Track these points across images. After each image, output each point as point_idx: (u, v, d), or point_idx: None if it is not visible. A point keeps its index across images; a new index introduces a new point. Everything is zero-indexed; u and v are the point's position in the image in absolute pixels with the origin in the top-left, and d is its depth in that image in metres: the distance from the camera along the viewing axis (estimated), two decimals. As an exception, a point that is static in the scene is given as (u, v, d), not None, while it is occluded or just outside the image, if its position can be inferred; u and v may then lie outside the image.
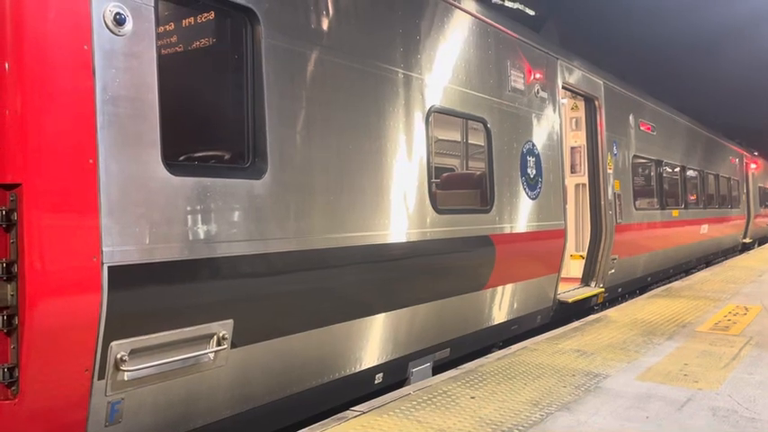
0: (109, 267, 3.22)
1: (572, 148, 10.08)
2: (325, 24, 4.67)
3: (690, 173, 15.20)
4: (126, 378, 3.38)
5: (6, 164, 2.99)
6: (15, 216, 2.98)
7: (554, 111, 8.09)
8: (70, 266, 3.09)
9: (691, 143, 15.66)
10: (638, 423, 4.20)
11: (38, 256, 3.00)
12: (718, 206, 17.95)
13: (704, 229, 15.96)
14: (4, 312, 2.99)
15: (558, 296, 8.27)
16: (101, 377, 3.27)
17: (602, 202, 9.48)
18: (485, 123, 6.61)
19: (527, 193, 7.28)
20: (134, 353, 3.39)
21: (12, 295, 2.98)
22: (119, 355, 3.32)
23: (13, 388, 3.01)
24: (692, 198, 15.32)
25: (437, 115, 5.97)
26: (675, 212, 13.50)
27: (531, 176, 7.39)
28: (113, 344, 3.29)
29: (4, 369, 2.99)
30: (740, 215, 21.16)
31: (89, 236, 3.16)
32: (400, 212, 5.31)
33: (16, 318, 2.98)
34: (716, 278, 12.35)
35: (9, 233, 3.00)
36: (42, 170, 3.03)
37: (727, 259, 17.98)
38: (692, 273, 14.51)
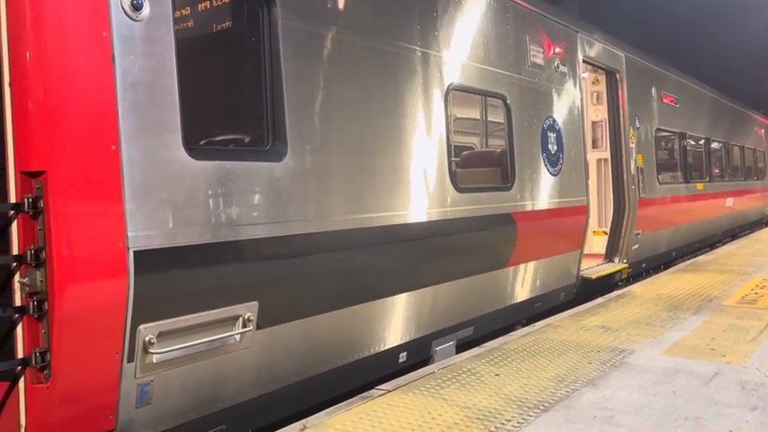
0: (134, 252, 3.25)
1: (593, 123, 9.95)
2: (341, 4, 4.63)
3: (714, 145, 14.93)
4: (155, 360, 3.43)
5: (31, 152, 3.02)
6: (42, 203, 3.02)
7: (575, 85, 7.97)
8: (96, 252, 3.13)
9: (715, 115, 15.37)
10: (666, 398, 4.18)
11: (65, 243, 3.04)
12: (744, 178, 17.65)
13: (729, 202, 15.71)
14: (35, 298, 3.04)
15: (582, 273, 8.21)
16: (130, 360, 3.32)
17: (625, 177, 9.35)
18: (504, 100, 6.54)
19: (548, 170, 7.21)
20: (162, 335, 3.44)
21: (41, 281, 3.03)
22: (147, 338, 3.37)
23: (45, 372, 3.07)
24: (717, 171, 15.07)
25: (456, 93, 5.92)
26: (700, 186, 13.30)
27: (553, 152, 7.31)
28: (141, 327, 3.33)
29: (36, 353, 3.05)
30: (766, 187, 20.79)
31: (114, 221, 3.19)
32: (420, 192, 5.29)
33: (46, 303, 3.04)
34: (742, 251, 12.19)
35: (36, 220, 3.04)
36: (66, 157, 3.06)
37: (753, 232, 17.71)
38: (718, 247, 14.33)
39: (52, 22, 3.05)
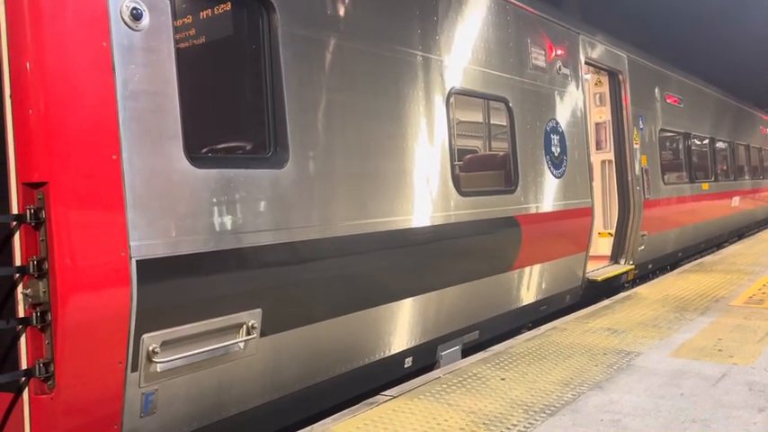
0: (137, 261, 3.25)
1: (597, 125, 9.92)
2: (341, 9, 4.64)
3: (719, 144, 14.88)
4: (159, 369, 3.43)
5: (32, 163, 3.03)
6: (43, 214, 3.03)
7: (577, 87, 7.96)
8: (99, 262, 3.13)
9: (719, 114, 15.33)
10: (673, 400, 4.15)
11: (67, 253, 3.04)
12: (750, 177, 17.58)
13: (735, 201, 15.65)
14: (38, 309, 3.05)
15: (587, 275, 8.18)
16: (134, 369, 3.32)
17: (630, 178, 9.33)
18: (507, 103, 6.53)
19: (552, 172, 7.19)
20: (165, 344, 3.44)
21: (44, 292, 3.04)
22: (151, 348, 3.36)
23: (49, 382, 3.07)
24: (722, 170, 15.02)
25: (458, 97, 5.91)
26: (705, 186, 13.24)
27: (556, 155, 7.29)
28: (145, 336, 3.33)
29: (39, 364, 3.05)
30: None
31: (116, 231, 3.20)
32: (423, 196, 5.28)
33: (49, 314, 3.04)
34: (749, 251, 12.12)
35: (38, 231, 3.04)
36: (67, 168, 3.06)
37: (760, 231, 17.63)
38: (725, 246, 14.25)
39: (52, 32, 3.06)
